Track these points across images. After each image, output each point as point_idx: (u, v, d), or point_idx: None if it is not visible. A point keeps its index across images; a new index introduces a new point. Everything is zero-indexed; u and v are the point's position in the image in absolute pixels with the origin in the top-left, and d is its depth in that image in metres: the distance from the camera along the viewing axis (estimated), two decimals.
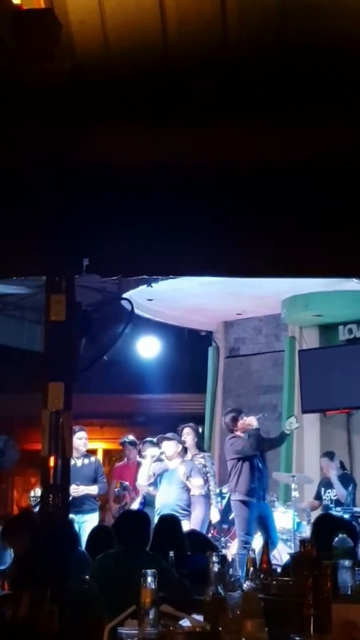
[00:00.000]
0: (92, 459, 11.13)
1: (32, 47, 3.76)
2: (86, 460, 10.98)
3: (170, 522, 6.91)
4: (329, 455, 11.22)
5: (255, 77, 4.15)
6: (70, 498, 10.39)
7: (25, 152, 4.25)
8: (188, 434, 10.77)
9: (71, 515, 10.33)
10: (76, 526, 9.96)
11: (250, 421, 10.45)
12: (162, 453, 10.60)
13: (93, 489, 10.70)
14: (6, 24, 3.74)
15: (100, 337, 4.77)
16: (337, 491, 10.71)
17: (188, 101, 4.20)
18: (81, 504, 10.58)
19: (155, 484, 10.72)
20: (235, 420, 10.50)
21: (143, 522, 6.03)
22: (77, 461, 10.86)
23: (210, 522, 10.68)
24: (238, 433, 10.40)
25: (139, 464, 11.87)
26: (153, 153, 4.27)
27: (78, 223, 4.36)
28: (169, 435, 10.62)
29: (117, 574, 5.14)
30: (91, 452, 11.56)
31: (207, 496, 10.52)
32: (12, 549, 6.91)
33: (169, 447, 10.44)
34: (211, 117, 4.24)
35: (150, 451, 11.05)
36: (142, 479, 10.75)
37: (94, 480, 10.78)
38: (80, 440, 11.06)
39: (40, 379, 4.36)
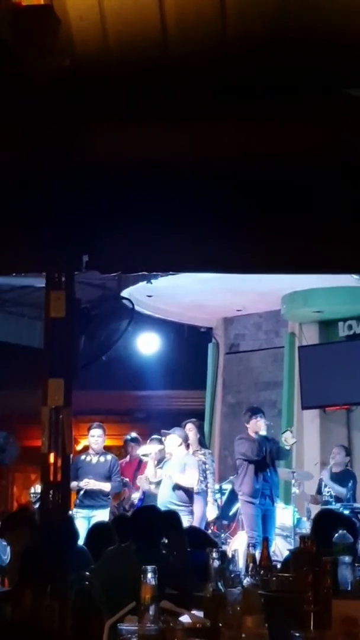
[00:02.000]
0: (109, 457, 11.05)
1: (31, 44, 3.77)
2: (102, 458, 10.92)
3: (170, 518, 6.90)
4: (345, 448, 11.23)
5: (254, 74, 4.15)
6: (82, 492, 10.46)
7: (24, 149, 4.25)
8: (190, 430, 10.76)
9: (81, 510, 10.38)
10: (84, 521, 9.98)
11: (259, 425, 10.44)
12: (162, 449, 10.60)
13: (105, 486, 10.67)
14: (5, 21, 3.74)
15: (99, 335, 4.77)
16: (335, 490, 10.72)
17: (187, 98, 4.20)
18: (92, 500, 10.58)
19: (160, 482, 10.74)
20: (249, 418, 10.54)
21: (157, 518, 6.02)
22: (92, 458, 10.85)
23: (207, 519, 10.69)
24: (249, 432, 10.44)
25: (140, 461, 11.86)
26: (152, 149, 4.26)
27: (78, 220, 4.36)
28: (170, 431, 10.61)
29: (127, 569, 5.13)
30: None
31: (204, 493, 10.53)
32: (10, 546, 6.90)
33: (170, 441, 10.45)
34: (210, 113, 4.24)
35: (148, 448, 11.05)
36: (151, 475, 10.73)
37: (108, 478, 10.75)
38: (93, 437, 11.01)
39: (40, 375, 4.36)
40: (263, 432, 10.45)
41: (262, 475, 10.24)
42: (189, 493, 10.21)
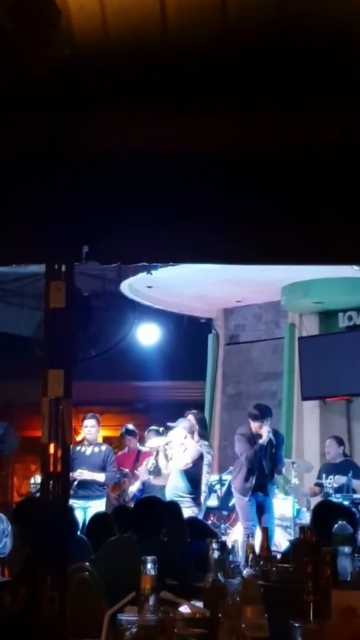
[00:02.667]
0: (103, 447, 11.09)
1: (31, 34, 3.75)
2: (96, 449, 10.95)
3: (171, 509, 6.92)
4: (337, 439, 11.20)
5: (254, 64, 4.14)
6: (76, 483, 10.47)
7: (24, 140, 4.24)
8: (187, 419, 10.78)
9: (76, 501, 10.40)
10: (80, 511, 10.00)
11: (262, 432, 10.39)
12: (168, 443, 10.59)
13: (99, 477, 10.69)
14: (5, 10, 3.73)
15: (101, 332, 4.77)
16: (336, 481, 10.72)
17: (187, 88, 4.19)
18: (87, 490, 10.59)
19: (155, 471, 10.76)
20: (253, 419, 10.46)
21: (159, 509, 6.03)
22: (86, 449, 10.87)
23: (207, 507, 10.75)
24: (251, 430, 10.39)
25: (139, 452, 11.88)
26: (153, 140, 4.26)
27: (78, 211, 4.35)
28: (175, 423, 10.60)
29: (128, 559, 5.14)
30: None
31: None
32: (17, 534, 6.85)
33: (176, 434, 10.46)
34: (211, 104, 4.23)
35: (154, 441, 11.04)
36: (163, 467, 10.72)
37: (102, 469, 10.77)
38: (87, 428, 11.03)
39: (40, 366, 4.36)
40: (264, 439, 10.39)
41: (255, 475, 10.24)
42: (195, 484, 10.24)
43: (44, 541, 4.36)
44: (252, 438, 10.41)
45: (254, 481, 10.20)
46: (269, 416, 10.58)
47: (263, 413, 10.50)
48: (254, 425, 10.41)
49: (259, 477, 10.23)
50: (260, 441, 10.30)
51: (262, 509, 10.23)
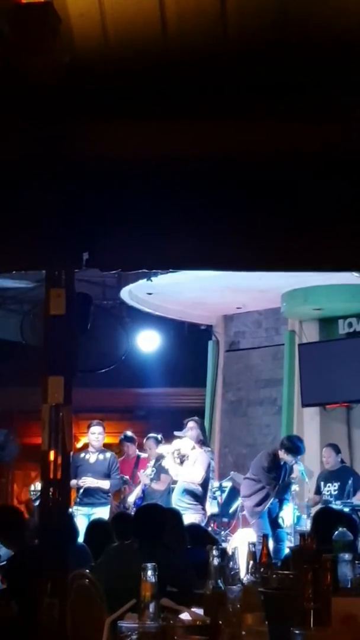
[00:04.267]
0: (108, 454, 11.06)
1: (31, 41, 3.76)
2: (101, 456, 10.92)
3: (171, 516, 6.91)
4: (334, 447, 11.20)
5: (254, 71, 4.15)
6: (82, 490, 10.47)
7: (24, 146, 4.24)
8: (192, 428, 10.77)
9: (81, 508, 10.39)
10: (84, 519, 9.98)
11: (295, 469, 10.44)
12: (176, 450, 10.57)
13: (104, 484, 10.67)
14: (5, 17, 3.74)
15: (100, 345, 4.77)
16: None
17: (187, 95, 4.20)
18: (92, 497, 10.58)
19: (155, 477, 10.76)
20: (288, 452, 10.47)
21: (160, 516, 6.02)
22: (91, 456, 10.85)
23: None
24: (280, 459, 10.41)
25: (138, 458, 11.87)
26: (152, 147, 4.26)
27: (78, 217, 4.36)
28: (181, 433, 10.59)
29: (129, 566, 5.13)
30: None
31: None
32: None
33: (184, 444, 10.47)
34: (211, 110, 4.23)
35: (160, 449, 11.02)
36: (174, 475, 10.69)
37: (107, 476, 10.75)
38: (94, 435, 11.02)
39: (40, 373, 4.36)
40: (296, 477, 10.44)
41: (269, 500, 10.29)
42: (203, 491, 10.24)
43: (43, 548, 4.35)
44: (281, 469, 10.42)
45: (269, 505, 10.25)
46: (302, 453, 10.64)
47: (298, 449, 10.56)
48: (285, 458, 10.41)
49: (275, 504, 10.30)
50: (292, 478, 10.36)
51: (275, 520, 10.29)
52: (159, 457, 10.89)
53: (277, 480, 10.30)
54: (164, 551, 5.55)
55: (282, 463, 10.41)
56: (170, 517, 6.63)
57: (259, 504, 10.25)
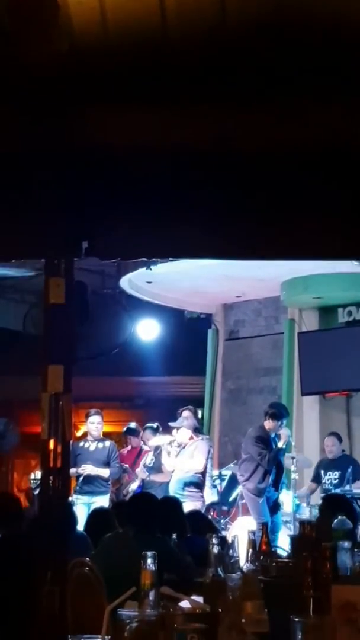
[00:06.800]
0: (107, 443, 11.11)
1: (30, 29, 3.75)
2: (100, 445, 10.97)
3: (171, 504, 6.93)
4: (337, 436, 11.21)
5: (254, 60, 4.13)
6: (81, 478, 10.50)
7: (24, 135, 4.23)
8: (187, 417, 10.79)
9: (81, 497, 10.42)
10: (84, 507, 10.02)
11: (281, 434, 10.42)
12: (172, 441, 10.59)
13: (104, 472, 10.72)
14: (3, 5, 3.72)
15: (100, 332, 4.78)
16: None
17: (187, 82, 4.18)
18: (91, 486, 10.61)
19: (155, 468, 10.78)
20: (270, 419, 10.46)
21: (155, 505, 6.04)
22: (90, 444, 10.89)
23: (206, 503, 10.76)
24: (267, 431, 10.39)
25: (140, 450, 11.90)
26: (152, 135, 4.25)
27: (77, 206, 4.34)
28: (176, 423, 10.59)
29: (125, 555, 5.15)
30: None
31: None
32: None
33: (181, 434, 10.47)
34: (211, 98, 4.22)
35: (156, 440, 11.04)
36: (169, 466, 10.71)
37: (107, 464, 10.79)
38: (93, 424, 11.06)
39: (39, 361, 4.35)
40: (283, 442, 10.43)
41: (269, 476, 10.28)
42: (199, 479, 10.26)
43: (42, 536, 4.36)
44: (269, 439, 10.43)
45: (269, 481, 10.23)
46: (287, 416, 10.64)
47: (281, 413, 10.56)
48: (271, 425, 10.41)
49: (274, 477, 10.28)
50: (280, 444, 10.35)
51: (275, 506, 10.28)
52: (157, 448, 10.92)
53: (267, 449, 10.31)
54: (159, 538, 5.57)
55: (269, 434, 10.42)
56: (169, 505, 6.65)
57: (261, 480, 10.26)
